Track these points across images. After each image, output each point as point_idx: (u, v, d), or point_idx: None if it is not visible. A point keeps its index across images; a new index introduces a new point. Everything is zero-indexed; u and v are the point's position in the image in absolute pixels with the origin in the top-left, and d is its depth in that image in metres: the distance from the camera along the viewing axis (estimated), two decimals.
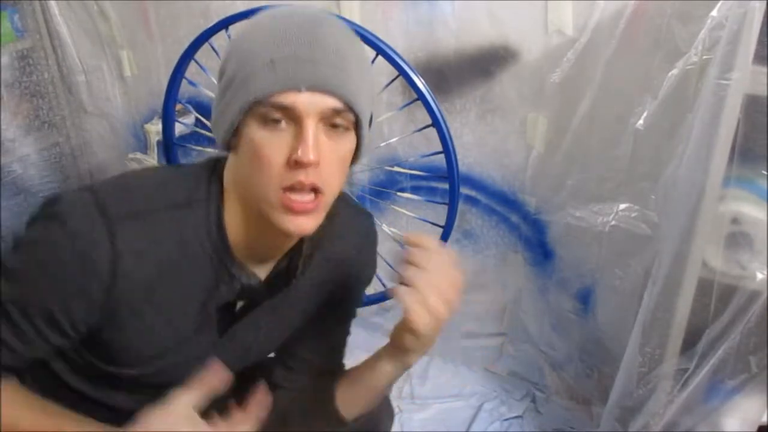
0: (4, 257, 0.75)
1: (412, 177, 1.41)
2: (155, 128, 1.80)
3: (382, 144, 1.57)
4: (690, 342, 1.16)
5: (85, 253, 0.70)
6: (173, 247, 0.75)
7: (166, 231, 0.75)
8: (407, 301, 0.72)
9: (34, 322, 0.73)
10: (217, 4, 1.61)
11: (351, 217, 0.92)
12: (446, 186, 1.28)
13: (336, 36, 0.70)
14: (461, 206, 1.59)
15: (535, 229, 1.59)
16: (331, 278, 0.91)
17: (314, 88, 0.67)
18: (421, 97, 1.28)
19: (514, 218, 1.61)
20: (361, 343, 1.07)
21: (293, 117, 0.68)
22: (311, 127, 0.68)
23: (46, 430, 0.75)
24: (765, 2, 0.96)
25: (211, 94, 1.44)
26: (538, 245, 1.61)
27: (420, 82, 1.29)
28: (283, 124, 0.68)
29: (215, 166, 0.79)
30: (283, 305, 0.88)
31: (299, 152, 0.67)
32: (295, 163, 0.68)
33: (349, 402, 0.90)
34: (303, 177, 0.69)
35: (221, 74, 0.73)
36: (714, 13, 1.06)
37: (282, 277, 0.86)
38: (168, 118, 1.45)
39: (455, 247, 1.68)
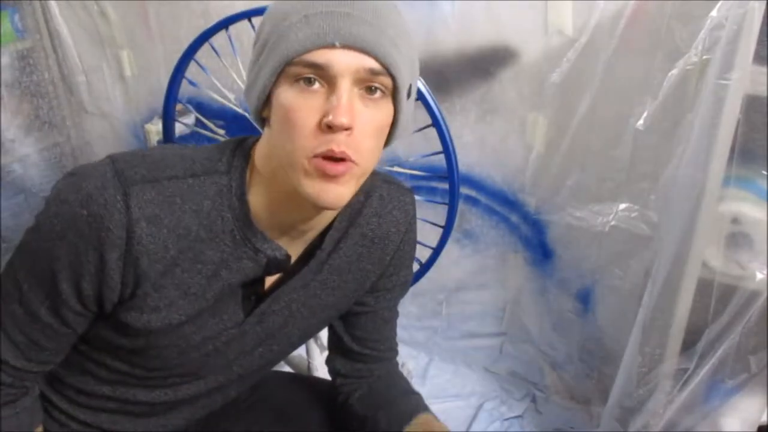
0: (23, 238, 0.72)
1: (412, 177, 1.40)
2: (155, 128, 1.80)
3: None
4: (690, 342, 1.16)
5: (100, 219, 0.67)
6: (191, 216, 0.72)
7: (184, 198, 0.71)
8: None
9: (46, 297, 0.70)
10: (217, 4, 1.61)
11: (390, 194, 0.87)
12: (446, 186, 1.28)
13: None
14: (461, 206, 1.59)
15: (535, 229, 1.59)
16: (369, 256, 0.86)
17: (350, 45, 0.63)
18: (421, 97, 1.28)
19: (514, 218, 1.61)
20: None
21: (327, 77, 0.64)
22: (345, 88, 0.64)
23: None
24: (765, 2, 0.97)
25: (212, 94, 1.44)
26: (538, 245, 1.61)
27: (420, 82, 1.29)
28: (317, 85, 0.64)
29: (242, 142, 0.75)
30: (315, 283, 0.82)
31: (331, 115, 0.63)
32: (326, 127, 0.63)
33: None
34: (335, 145, 0.64)
35: (256, 39, 0.70)
36: (714, 13, 1.06)
37: (315, 256, 0.81)
38: (168, 118, 1.44)
39: (455, 247, 1.68)
